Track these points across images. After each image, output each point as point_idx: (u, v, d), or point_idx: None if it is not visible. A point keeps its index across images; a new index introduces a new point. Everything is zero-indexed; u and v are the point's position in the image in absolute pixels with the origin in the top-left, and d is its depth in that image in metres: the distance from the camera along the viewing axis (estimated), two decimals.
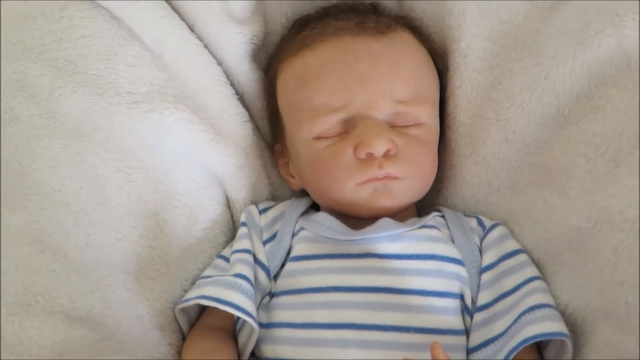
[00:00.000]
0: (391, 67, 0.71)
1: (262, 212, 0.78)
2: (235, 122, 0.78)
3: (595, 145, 0.64)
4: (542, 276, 0.68)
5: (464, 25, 0.74)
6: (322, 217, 0.73)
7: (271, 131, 0.84)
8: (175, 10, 0.77)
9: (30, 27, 0.72)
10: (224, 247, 0.78)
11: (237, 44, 0.79)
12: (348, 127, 0.71)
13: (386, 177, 0.69)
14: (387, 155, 0.69)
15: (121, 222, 0.69)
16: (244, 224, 0.76)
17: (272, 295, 0.71)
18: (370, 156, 0.69)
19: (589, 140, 0.65)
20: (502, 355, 0.61)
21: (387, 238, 0.68)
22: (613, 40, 0.64)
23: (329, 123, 0.71)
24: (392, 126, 0.71)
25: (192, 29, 0.78)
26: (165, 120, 0.72)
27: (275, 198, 0.84)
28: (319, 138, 0.72)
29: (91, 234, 0.66)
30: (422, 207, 0.81)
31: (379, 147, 0.68)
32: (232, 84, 0.80)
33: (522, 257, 0.69)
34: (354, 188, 0.70)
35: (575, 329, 0.64)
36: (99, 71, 0.71)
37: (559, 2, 0.69)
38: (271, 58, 0.83)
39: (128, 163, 0.71)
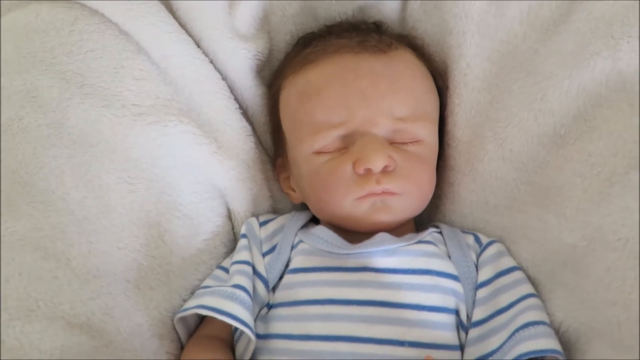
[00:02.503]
0: (391, 85, 0.72)
1: (262, 224, 0.79)
2: (238, 136, 0.80)
3: (591, 165, 0.65)
4: (538, 294, 0.68)
5: (464, 45, 0.75)
6: (320, 230, 0.74)
7: (273, 145, 0.86)
8: (183, 26, 0.79)
9: (41, 41, 0.73)
10: (224, 258, 0.78)
11: (242, 59, 0.80)
12: (348, 142, 0.72)
13: (384, 193, 0.70)
14: (385, 171, 0.70)
15: (123, 231, 0.70)
16: (244, 236, 0.77)
17: (270, 306, 0.72)
18: (368, 172, 0.69)
19: (584, 160, 0.66)
20: None
21: (384, 252, 0.69)
22: (608, 63, 0.65)
23: (328, 138, 0.72)
24: (391, 143, 0.72)
25: (198, 45, 0.79)
26: (170, 132, 0.74)
27: (276, 211, 0.85)
28: (319, 153, 0.73)
29: (94, 242, 0.67)
30: (420, 223, 0.81)
31: (377, 163, 0.69)
32: (236, 99, 0.82)
33: (517, 275, 0.70)
34: (352, 203, 0.71)
35: (569, 347, 0.64)
36: (106, 84, 0.73)
37: (557, 25, 0.70)
38: (275, 74, 0.84)
39: (132, 174, 0.72)
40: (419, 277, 0.68)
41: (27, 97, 0.71)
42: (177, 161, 0.75)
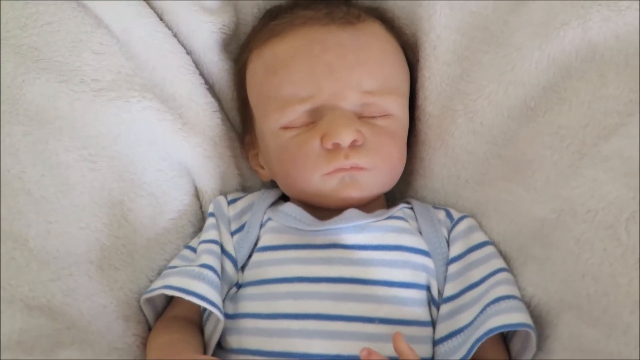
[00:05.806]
0: (359, 57, 0.71)
1: (230, 202, 0.77)
2: (204, 112, 0.78)
3: (561, 137, 0.65)
4: (509, 268, 0.68)
5: (433, 16, 0.74)
6: (289, 207, 0.73)
7: (241, 122, 0.84)
8: None
9: None
10: (192, 237, 0.77)
11: (207, 33, 0.78)
12: (315, 117, 0.70)
13: (353, 168, 0.69)
14: (353, 145, 0.69)
15: (84, 210, 0.68)
16: (212, 215, 0.75)
17: (239, 286, 0.71)
18: (336, 146, 0.68)
19: (554, 132, 0.65)
20: (467, 345, 0.61)
21: (353, 229, 0.68)
22: (578, 32, 0.64)
23: (296, 113, 0.70)
24: (360, 117, 0.71)
25: (161, 18, 0.77)
26: (132, 108, 0.72)
27: (245, 189, 0.83)
28: (286, 128, 0.71)
29: (53, 223, 0.66)
30: (392, 199, 0.81)
31: (345, 138, 0.67)
32: (202, 74, 0.80)
33: (489, 249, 0.69)
34: (320, 179, 0.69)
35: (540, 320, 0.64)
36: (64, 58, 0.70)
37: None
38: (241, 47, 0.82)
39: (92, 151, 0.70)
40: (388, 253, 0.67)
41: None
42: (141, 138, 0.73)
